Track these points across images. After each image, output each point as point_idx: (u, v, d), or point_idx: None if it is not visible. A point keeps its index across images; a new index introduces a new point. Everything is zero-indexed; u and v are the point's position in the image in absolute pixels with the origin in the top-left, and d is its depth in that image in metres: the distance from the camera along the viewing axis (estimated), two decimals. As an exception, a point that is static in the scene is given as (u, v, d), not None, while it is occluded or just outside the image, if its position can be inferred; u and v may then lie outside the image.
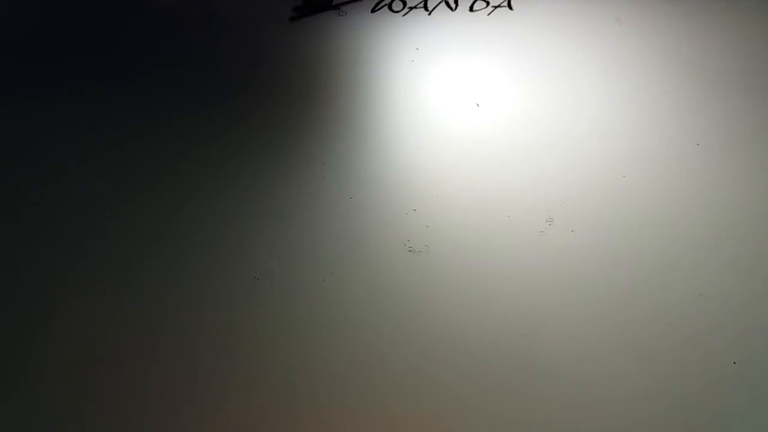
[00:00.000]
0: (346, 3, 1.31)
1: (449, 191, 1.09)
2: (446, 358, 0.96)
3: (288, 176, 1.11)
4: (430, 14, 1.29)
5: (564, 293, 0.99)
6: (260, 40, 1.28)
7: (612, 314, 0.97)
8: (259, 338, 0.98)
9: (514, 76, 1.21)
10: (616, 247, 1.02)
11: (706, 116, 1.14)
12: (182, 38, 1.29)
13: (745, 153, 1.10)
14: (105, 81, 1.23)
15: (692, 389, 0.92)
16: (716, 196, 1.06)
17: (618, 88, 1.18)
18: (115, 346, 0.97)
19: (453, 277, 1.01)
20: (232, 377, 0.95)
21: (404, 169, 1.12)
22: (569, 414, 0.92)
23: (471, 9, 1.29)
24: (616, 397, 0.92)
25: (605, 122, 1.14)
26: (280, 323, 0.99)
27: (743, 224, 1.03)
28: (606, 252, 1.02)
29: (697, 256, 1.01)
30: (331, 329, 0.98)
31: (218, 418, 0.93)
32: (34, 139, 1.17)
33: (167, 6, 1.32)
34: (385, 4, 1.30)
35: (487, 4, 1.29)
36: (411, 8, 1.30)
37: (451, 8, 1.29)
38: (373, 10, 1.30)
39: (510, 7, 1.29)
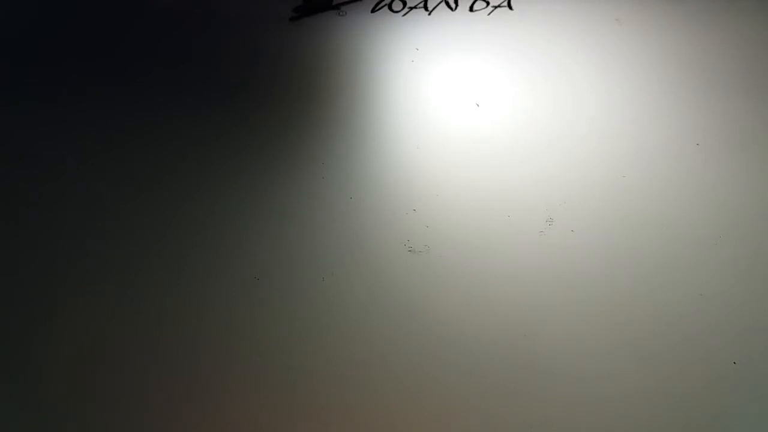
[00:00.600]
0: (346, 3, 1.31)
1: (449, 191, 1.09)
2: (446, 358, 0.96)
3: (288, 176, 1.11)
4: (430, 14, 1.29)
5: (564, 293, 0.99)
6: (260, 40, 1.28)
7: (612, 314, 0.97)
8: (259, 338, 0.98)
9: (514, 76, 1.21)
10: (616, 247, 1.02)
11: (706, 116, 1.14)
12: (182, 38, 1.28)
13: (745, 153, 1.10)
14: (105, 81, 1.23)
15: (692, 389, 0.92)
16: (716, 196, 1.06)
17: (618, 88, 1.18)
18: (115, 346, 0.97)
19: (453, 277, 1.01)
20: (232, 377, 0.95)
21: (404, 169, 1.12)
22: (569, 414, 0.92)
23: (471, 9, 1.29)
24: (616, 397, 0.92)
25: (605, 122, 1.14)
26: (280, 323, 0.99)
27: (743, 224, 1.03)
28: (606, 252, 1.02)
29: (697, 256, 1.01)
30: (331, 329, 0.98)
31: (218, 418, 0.93)
32: (34, 139, 1.17)
33: (167, 6, 1.32)
34: (385, 4, 1.30)
35: (487, 4, 1.29)
36: (411, 8, 1.30)
37: (451, 8, 1.29)
38: (373, 10, 1.30)
39: (510, 7, 1.29)
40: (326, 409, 0.93)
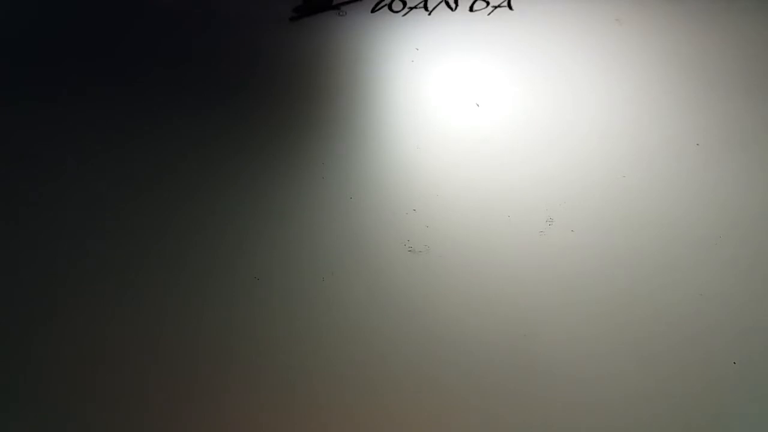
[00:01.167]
0: (346, 3, 1.31)
1: (449, 191, 1.09)
2: (446, 358, 0.96)
3: (288, 176, 1.11)
4: (430, 14, 1.29)
5: (564, 293, 0.99)
6: (260, 40, 1.28)
7: (612, 314, 0.97)
8: (259, 338, 0.98)
9: (514, 76, 1.21)
10: (616, 247, 1.02)
11: (706, 116, 1.14)
12: (182, 38, 1.28)
13: (745, 153, 1.10)
14: (105, 81, 1.23)
15: (692, 389, 0.92)
16: (716, 196, 1.06)
17: (618, 88, 1.18)
18: (115, 346, 0.97)
19: (453, 277, 1.01)
20: (232, 377, 0.95)
21: (404, 169, 1.12)
22: (569, 414, 0.92)
23: (471, 9, 1.29)
24: (616, 397, 0.92)
25: (605, 122, 1.14)
26: (280, 323, 0.99)
27: (743, 224, 1.03)
28: (606, 252, 1.02)
29: (697, 256, 1.01)
30: (331, 329, 0.98)
31: (218, 418, 0.93)
32: (34, 139, 1.17)
33: (167, 6, 1.32)
34: (385, 4, 1.30)
35: (487, 4, 1.29)
36: (411, 8, 1.30)
37: (451, 8, 1.29)
38: (373, 10, 1.30)
39: (510, 7, 1.29)
40: (326, 409, 0.93)
